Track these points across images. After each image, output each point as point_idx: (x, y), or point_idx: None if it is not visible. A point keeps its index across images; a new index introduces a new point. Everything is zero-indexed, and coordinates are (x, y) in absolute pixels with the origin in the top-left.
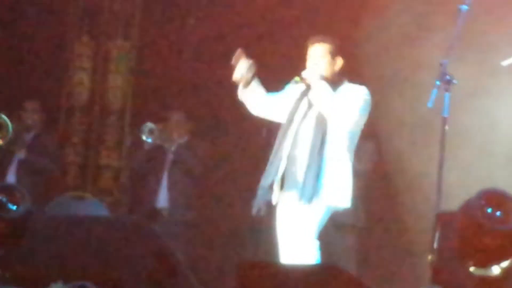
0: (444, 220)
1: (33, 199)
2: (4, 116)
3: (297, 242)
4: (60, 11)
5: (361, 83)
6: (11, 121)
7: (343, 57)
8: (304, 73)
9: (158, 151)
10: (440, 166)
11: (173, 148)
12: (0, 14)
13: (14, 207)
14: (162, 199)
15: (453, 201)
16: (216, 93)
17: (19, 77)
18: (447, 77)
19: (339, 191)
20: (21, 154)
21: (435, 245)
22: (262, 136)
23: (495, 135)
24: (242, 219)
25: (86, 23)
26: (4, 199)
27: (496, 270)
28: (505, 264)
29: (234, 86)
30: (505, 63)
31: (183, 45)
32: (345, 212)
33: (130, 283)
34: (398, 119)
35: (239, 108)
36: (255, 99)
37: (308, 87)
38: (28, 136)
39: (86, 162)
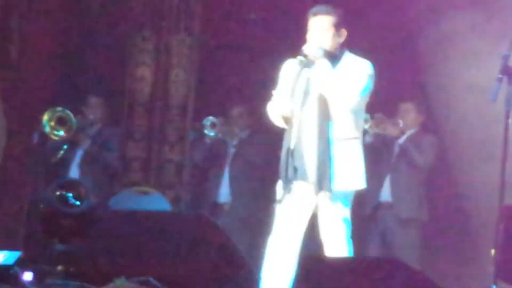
0: (508, 213)
1: (97, 193)
2: (68, 111)
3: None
4: (123, 6)
5: None
6: (74, 116)
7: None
8: (306, 48)
9: (220, 145)
10: (504, 160)
11: (234, 142)
12: (65, 9)
13: (78, 203)
14: (224, 194)
15: None
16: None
17: (82, 72)
18: (509, 69)
19: (352, 172)
20: (84, 149)
21: (499, 240)
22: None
23: None
24: None
25: (148, 17)
26: (69, 195)
27: None
28: None
29: None
30: None
31: (244, 39)
32: (408, 207)
33: (193, 278)
34: (461, 113)
35: None
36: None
37: (309, 64)
38: (92, 131)
39: (149, 157)
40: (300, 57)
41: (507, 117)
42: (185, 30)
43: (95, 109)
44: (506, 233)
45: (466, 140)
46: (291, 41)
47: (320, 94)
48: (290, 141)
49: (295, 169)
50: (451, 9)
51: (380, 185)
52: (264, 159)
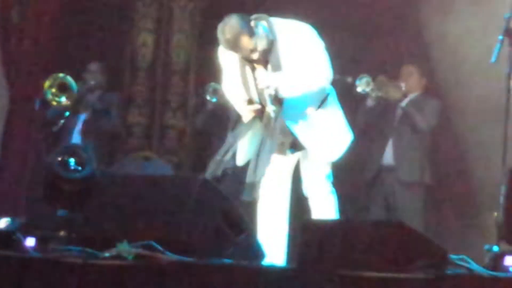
0: (511, 175)
1: (98, 159)
2: (69, 77)
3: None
4: None
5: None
6: (76, 82)
7: None
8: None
9: (222, 110)
10: (506, 121)
11: None
12: None
13: (80, 168)
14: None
15: None
16: None
17: (83, 39)
18: (511, 31)
19: (330, 141)
20: (85, 115)
21: (502, 202)
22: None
23: None
24: None
25: None
26: (70, 160)
27: None
28: None
29: None
30: None
31: (246, 4)
32: (410, 170)
33: (196, 242)
34: (465, 75)
35: None
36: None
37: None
38: (92, 97)
39: (151, 123)
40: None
41: (509, 79)
42: None
43: (95, 75)
44: (509, 194)
45: (470, 102)
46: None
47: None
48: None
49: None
50: None
51: (382, 149)
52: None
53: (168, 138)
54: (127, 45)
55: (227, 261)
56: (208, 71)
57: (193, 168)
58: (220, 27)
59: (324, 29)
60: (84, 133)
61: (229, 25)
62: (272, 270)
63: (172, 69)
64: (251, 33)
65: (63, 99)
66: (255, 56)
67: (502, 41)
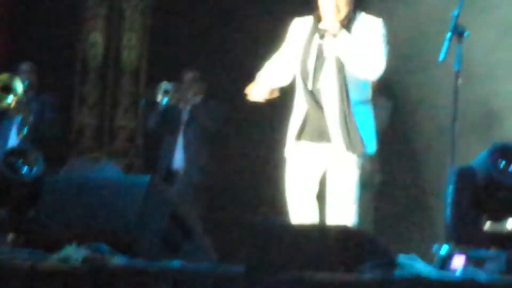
0: (457, 174)
1: (46, 161)
2: (16, 78)
3: (343, 198)
4: None
5: None
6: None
7: None
8: (322, 25)
9: (173, 111)
10: (453, 121)
11: (188, 108)
12: None
13: (28, 170)
14: (178, 160)
15: (469, 157)
16: (232, 52)
17: (33, 38)
18: (459, 29)
19: (367, 137)
20: (20, 117)
21: (449, 201)
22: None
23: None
24: (258, 179)
25: None
26: (18, 162)
27: (510, 224)
28: None
29: (248, 44)
30: None
31: (198, 3)
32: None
33: (144, 245)
34: (412, 75)
35: (255, 66)
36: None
37: (329, 37)
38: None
39: (102, 124)
40: (319, 30)
41: (457, 77)
42: None
43: (27, 75)
44: (456, 194)
45: (417, 102)
46: (245, 4)
47: (337, 60)
48: (305, 100)
49: (315, 131)
50: None
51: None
52: (217, 125)
53: (119, 139)
54: (78, 45)
55: (175, 264)
56: (159, 71)
57: (145, 169)
58: None
59: None
60: (20, 135)
61: None
62: (220, 272)
63: (122, 69)
64: None
65: (9, 100)
66: (337, 17)
67: (450, 39)
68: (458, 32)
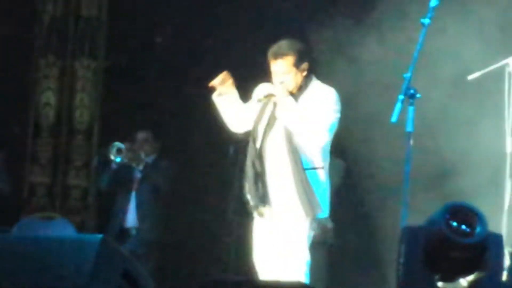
0: (409, 233)
1: None
2: None
3: (290, 258)
4: (25, 31)
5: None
6: None
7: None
8: (266, 91)
9: (126, 170)
10: (406, 182)
11: (141, 167)
12: None
13: None
14: (131, 219)
15: (422, 216)
16: (183, 112)
17: None
18: (411, 91)
19: (320, 201)
20: None
21: (401, 260)
22: (229, 154)
23: (463, 148)
24: (211, 237)
25: (52, 42)
26: None
27: (463, 283)
28: (471, 277)
29: (201, 105)
30: (471, 77)
31: (150, 64)
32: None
33: None
34: (365, 136)
35: (207, 126)
36: (230, 105)
37: (274, 104)
38: None
39: (54, 182)
40: (260, 98)
41: (409, 138)
42: (89, 54)
43: None
44: (407, 254)
45: (369, 162)
46: (196, 65)
47: (286, 127)
48: (254, 166)
49: (266, 196)
50: None
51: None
52: (170, 184)
53: (71, 197)
54: (30, 104)
55: None
56: (112, 131)
57: (98, 228)
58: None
59: None
60: None
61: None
62: None
63: (75, 129)
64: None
65: None
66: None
67: (402, 101)
68: (410, 94)
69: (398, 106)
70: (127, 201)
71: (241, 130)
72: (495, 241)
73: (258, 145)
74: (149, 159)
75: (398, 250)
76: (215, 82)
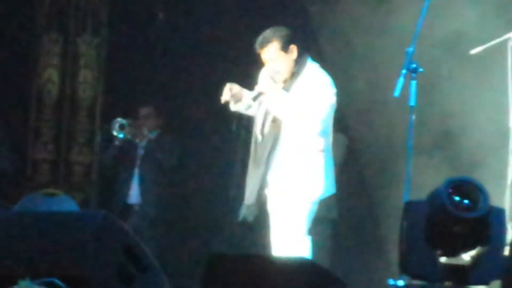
0: (412, 209)
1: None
2: None
3: (290, 238)
4: (27, 8)
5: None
6: None
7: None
8: (255, 92)
9: (129, 146)
10: (408, 156)
11: (143, 143)
12: None
13: None
14: (134, 195)
15: (424, 192)
16: (187, 88)
17: None
18: (413, 65)
19: (316, 183)
20: None
21: (404, 235)
22: (232, 131)
23: (462, 123)
24: (214, 214)
25: (54, 19)
26: None
27: (465, 258)
28: (473, 252)
29: (204, 81)
30: (474, 51)
31: (153, 40)
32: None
33: (99, 279)
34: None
35: (209, 101)
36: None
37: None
38: None
39: (57, 159)
40: (254, 94)
41: (412, 113)
42: (91, 30)
43: None
44: (409, 228)
45: (373, 137)
46: (198, 40)
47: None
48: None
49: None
50: None
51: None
52: (173, 160)
53: (74, 174)
54: (33, 81)
55: None
56: (115, 107)
57: (101, 204)
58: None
59: None
60: None
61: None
62: None
63: (78, 105)
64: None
65: None
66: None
67: (405, 75)
68: (412, 69)
69: (400, 80)
70: (130, 177)
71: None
72: (497, 215)
73: (258, 131)
74: (152, 135)
75: (400, 225)
76: (225, 98)
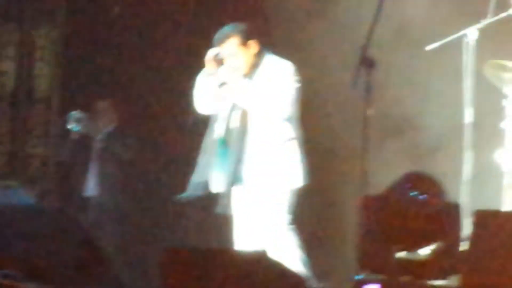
0: (368, 204)
1: None
2: None
3: (276, 230)
4: None
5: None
6: None
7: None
8: (220, 81)
9: (85, 140)
10: (364, 151)
11: (100, 137)
12: None
13: None
14: (91, 187)
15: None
16: (144, 81)
17: None
18: (367, 59)
19: (294, 171)
20: None
21: (361, 230)
22: (188, 125)
23: (418, 122)
24: (170, 206)
25: (11, 10)
26: None
27: (422, 253)
28: (431, 247)
29: (160, 74)
30: (429, 47)
31: (109, 33)
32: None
33: (55, 272)
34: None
35: (166, 95)
36: (210, 88)
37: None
38: None
39: (13, 151)
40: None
41: (366, 107)
42: (48, 23)
43: None
44: (367, 223)
45: (327, 131)
46: (155, 34)
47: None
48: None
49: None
50: None
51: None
52: (130, 153)
53: (31, 166)
54: None
55: None
56: (71, 100)
57: (58, 197)
58: None
59: None
60: None
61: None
62: None
63: (34, 98)
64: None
65: None
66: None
67: (359, 70)
68: (367, 62)
69: (355, 73)
70: (87, 170)
71: (208, 112)
72: (453, 211)
73: (222, 127)
74: (109, 128)
75: (358, 221)
76: (210, 55)
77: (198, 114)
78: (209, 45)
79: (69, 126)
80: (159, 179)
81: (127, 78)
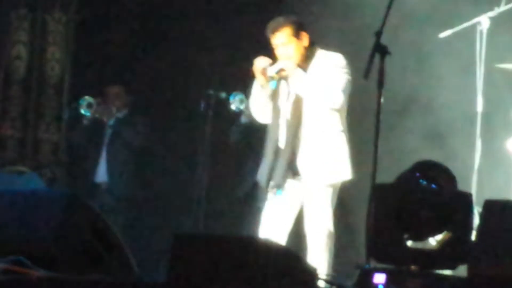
0: (379, 192)
1: None
2: None
3: (319, 225)
4: None
5: None
6: None
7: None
8: (276, 67)
9: (97, 125)
10: (376, 138)
11: (111, 122)
12: None
13: None
14: (101, 174)
15: (391, 175)
16: (156, 68)
17: None
18: (381, 47)
19: (341, 165)
20: None
21: (371, 218)
22: (200, 110)
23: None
24: (181, 193)
25: None
26: None
27: (432, 242)
28: (440, 236)
29: (173, 61)
30: (442, 35)
31: (122, 18)
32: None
33: (65, 257)
34: None
35: (178, 81)
36: (265, 104)
37: (286, 79)
38: None
39: (24, 136)
40: (272, 76)
41: (379, 95)
42: (60, 7)
43: None
44: (377, 212)
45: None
46: (168, 21)
47: (298, 96)
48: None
49: (294, 168)
50: None
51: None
52: (141, 139)
53: (42, 152)
54: (1, 57)
55: (97, 277)
56: (83, 85)
57: (68, 183)
58: None
59: None
60: None
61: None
62: (141, 285)
63: (46, 83)
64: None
65: None
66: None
67: (373, 56)
68: (381, 50)
69: (369, 61)
70: (98, 156)
71: (265, 121)
72: (464, 200)
73: (281, 122)
74: (121, 114)
75: (367, 209)
76: (261, 65)
77: (209, 101)
78: (221, 31)
79: (80, 111)
80: (168, 165)
81: (139, 64)
